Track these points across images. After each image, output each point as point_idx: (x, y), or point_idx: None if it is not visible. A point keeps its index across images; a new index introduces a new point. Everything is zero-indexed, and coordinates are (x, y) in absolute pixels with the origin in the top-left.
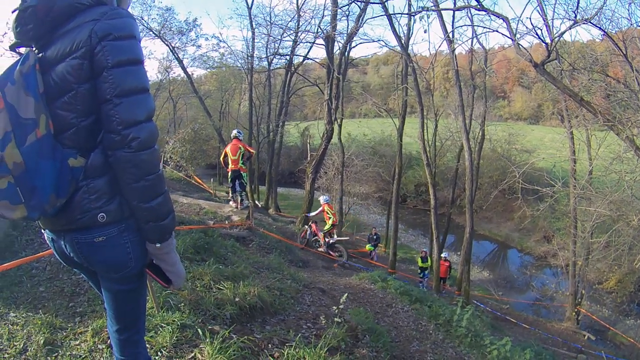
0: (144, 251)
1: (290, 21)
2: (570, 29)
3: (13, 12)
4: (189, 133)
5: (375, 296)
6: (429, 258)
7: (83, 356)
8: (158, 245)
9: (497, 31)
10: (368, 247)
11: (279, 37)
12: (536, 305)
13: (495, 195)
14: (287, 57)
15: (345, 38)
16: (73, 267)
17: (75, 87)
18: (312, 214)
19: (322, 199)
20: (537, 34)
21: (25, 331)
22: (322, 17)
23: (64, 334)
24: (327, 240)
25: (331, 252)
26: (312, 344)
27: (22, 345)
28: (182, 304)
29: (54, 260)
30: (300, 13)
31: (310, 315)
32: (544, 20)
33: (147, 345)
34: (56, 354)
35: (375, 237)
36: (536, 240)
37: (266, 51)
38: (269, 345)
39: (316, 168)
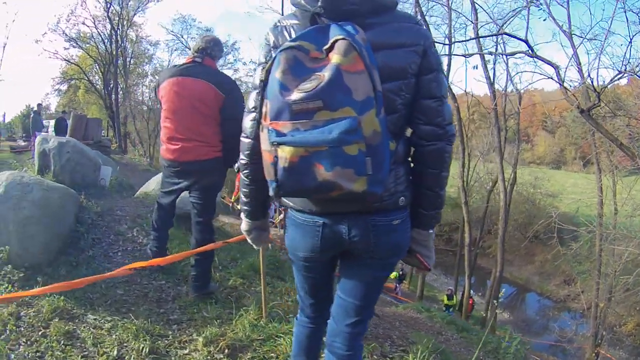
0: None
1: None
2: (618, 79)
3: None
4: None
5: (425, 324)
6: (454, 296)
7: None
8: (431, 231)
9: (550, 77)
10: (394, 275)
11: None
12: (555, 347)
13: (518, 238)
14: None
15: None
16: (324, 254)
17: (409, 76)
18: None
19: None
20: (579, 82)
21: (114, 337)
22: None
23: (166, 342)
24: None
25: None
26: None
27: (116, 353)
28: (290, 315)
29: (129, 262)
30: None
31: (382, 335)
32: (579, 69)
33: (273, 355)
34: None
35: (401, 272)
36: (556, 284)
37: None
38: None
39: None
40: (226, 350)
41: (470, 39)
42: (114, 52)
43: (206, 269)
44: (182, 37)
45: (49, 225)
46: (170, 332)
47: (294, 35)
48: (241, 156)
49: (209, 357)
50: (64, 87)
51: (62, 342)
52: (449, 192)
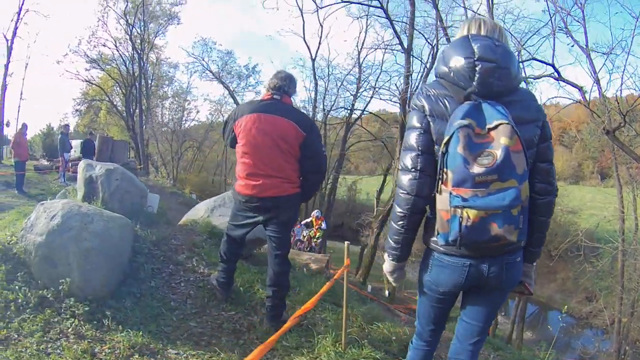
0: None
1: (347, 74)
2: None
3: (479, 61)
4: None
5: None
6: None
7: None
8: (535, 264)
9: (577, 102)
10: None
11: (337, 91)
12: None
13: (541, 256)
14: (347, 110)
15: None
16: (462, 288)
17: (534, 146)
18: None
19: (315, 212)
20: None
21: None
22: (380, 73)
23: None
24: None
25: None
26: None
27: None
28: (365, 340)
29: (194, 293)
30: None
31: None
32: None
33: None
34: None
35: None
36: (578, 301)
37: (322, 103)
38: None
39: (382, 223)
40: None
41: None
42: (136, 74)
43: (282, 299)
44: (203, 59)
45: (110, 256)
46: None
47: (449, 107)
48: (398, 209)
49: None
50: (83, 107)
51: None
52: None
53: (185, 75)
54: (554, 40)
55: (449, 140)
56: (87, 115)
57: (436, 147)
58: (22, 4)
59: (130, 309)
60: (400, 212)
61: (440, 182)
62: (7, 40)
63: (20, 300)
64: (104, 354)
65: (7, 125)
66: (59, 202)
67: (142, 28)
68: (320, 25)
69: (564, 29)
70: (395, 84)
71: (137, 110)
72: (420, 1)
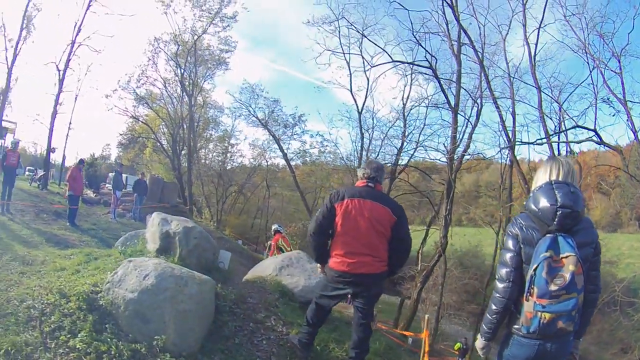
0: None
1: (391, 127)
2: None
3: (560, 208)
4: (300, 228)
5: None
6: None
7: None
8: (580, 339)
9: (618, 168)
10: (457, 346)
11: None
12: None
13: None
14: (392, 165)
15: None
16: None
17: (589, 260)
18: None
19: (274, 226)
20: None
21: None
22: (423, 127)
23: None
24: None
25: None
26: None
27: None
28: None
29: (277, 351)
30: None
31: None
32: None
33: None
34: None
35: (465, 347)
36: (613, 353)
37: (367, 155)
38: None
39: (426, 277)
40: None
41: (553, 134)
42: (184, 115)
43: None
44: (250, 105)
45: (203, 316)
46: None
47: (535, 237)
48: (494, 307)
49: None
50: (125, 141)
51: None
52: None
53: (229, 118)
54: (596, 107)
55: (537, 267)
56: (132, 151)
57: (524, 265)
58: (75, 38)
59: None
60: (495, 308)
61: (528, 294)
62: (59, 70)
63: (112, 352)
64: None
65: (53, 151)
66: (149, 261)
67: (191, 71)
68: (367, 79)
69: (603, 84)
70: (444, 144)
71: (183, 151)
72: (464, 58)
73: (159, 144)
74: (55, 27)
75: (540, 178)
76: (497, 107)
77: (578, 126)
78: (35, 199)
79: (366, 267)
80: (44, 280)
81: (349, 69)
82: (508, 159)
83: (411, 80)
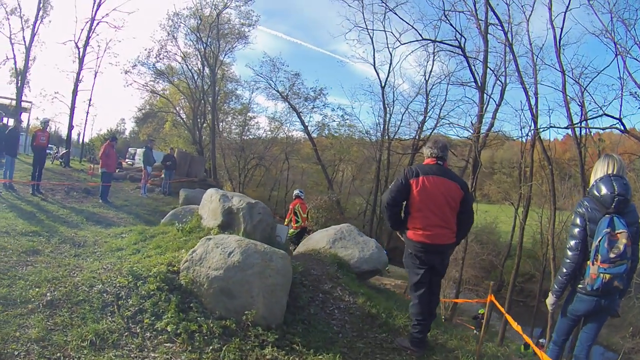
0: None
1: (411, 102)
2: None
3: (617, 196)
4: (326, 201)
5: None
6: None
7: None
8: (622, 298)
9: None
10: (481, 310)
11: (401, 117)
12: None
13: None
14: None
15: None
16: (586, 314)
17: (636, 238)
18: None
19: (296, 192)
20: None
21: None
22: (444, 102)
23: None
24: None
25: None
26: None
27: None
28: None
29: (349, 319)
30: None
31: None
32: None
33: None
34: None
35: (481, 317)
36: (622, 337)
37: (386, 131)
38: None
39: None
40: None
41: (578, 124)
42: (206, 89)
43: (429, 326)
44: (271, 79)
45: (286, 289)
46: None
47: (597, 216)
48: (564, 270)
49: None
50: (140, 116)
51: None
52: (526, 243)
53: (247, 91)
54: (622, 96)
55: (600, 239)
56: (150, 125)
57: (589, 238)
58: (95, 15)
59: (304, 334)
60: (565, 271)
61: (594, 260)
62: (78, 48)
63: (204, 331)
64: None
65: (72, 129)
66: (229, 238)
67: (213, 45)
68: (391, 55)
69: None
70: (471, 122)
71: (205, 124)
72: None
73: (179, 117)
74: (72, 5)
75: (599, 170)
76: (524, 87)
77: (605, 114)
78: (62, 177)
79: (443, 238)
80: (105, 262)
81: (373, 45)
82: (530, 138)
83: (433, 57)
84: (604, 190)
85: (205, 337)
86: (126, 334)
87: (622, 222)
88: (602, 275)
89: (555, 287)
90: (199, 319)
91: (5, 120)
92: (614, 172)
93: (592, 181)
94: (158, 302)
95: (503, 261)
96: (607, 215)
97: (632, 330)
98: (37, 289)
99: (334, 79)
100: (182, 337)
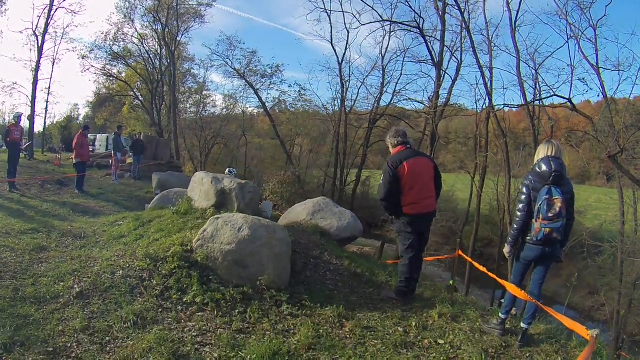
0: None
1: (366, 77)
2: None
3: (554, 172)
4: (289, 176)
5: None
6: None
7: None
8: (563, 248)
9: (586, 133)
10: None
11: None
12: None
13: None
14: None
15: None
16: (535, 259)
17: (568, 201)
18: None
19: (227, 170)
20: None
21: None
22: (400, 76)
23: None
24: None
25: None
26: None
27: None
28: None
29: (339, 278)
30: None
31: None
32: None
33: None
34: None
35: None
36: (582, 296)
37: (344, 105)
38: None
39: None
40: None
41: (531, 102)
42: (163, 70)
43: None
44: (228, 57)
45: (288, 256)
46: None
47: (538, 187)
48: (515, 225)
49: None
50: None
51: None
52: (483, 210)
53: (202, 69)
54: (572, 79)
55: (541, 203)
56: (107, 109)
57: (532, 202)
58: (53, 1)
59: (308, 292)
60: (516, 227)
61: (537, 218)
62: (37, 36)
63: (227, 298)
64: (328, 323)
65: (34, 119)
66: (235, 216)
67: (171, 26)
68: (347, 32)
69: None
70: (429, 97)
71: (163, 106)
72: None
73: (138, 100)
74: None
75: (541, 152)
76: (479, 64)
77: (555, 95)
78: (31, 170)
79: (431, 206)
80: (114, 250)
81: (331, 24)
82: (485, 112)
83: (389, 35)
84: (544, 168)
85: (230, 303)
86: (160, 310)
87: (558, 191)
88: (543, 229)
89: (510, 239)
90: (220, 288)
91: None
92: (552, 154)
93: (535, 160)
94: (180, 278)
95: (462, 227)
96: (546, 186)
97: (590, 290)
98: (62, 283)
99: (291, 55)
100: (210, 305)
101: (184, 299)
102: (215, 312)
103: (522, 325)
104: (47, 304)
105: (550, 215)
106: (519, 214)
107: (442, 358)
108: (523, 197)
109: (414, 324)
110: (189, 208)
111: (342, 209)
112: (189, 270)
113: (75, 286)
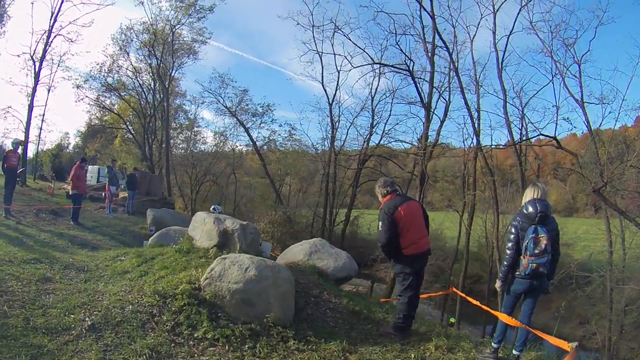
0: None
1: (355, 117)
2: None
3: (539, 213)
4: (280, 216)
5: None
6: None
7: None
8: (551, 281)
9: (572, 169)
10: (451, 319)
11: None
12: None
13: None
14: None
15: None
16: (524, 292)
17: (554, 237)
18: None
19: (212, 207)
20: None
21: None
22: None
23: None
24: None
25: None
26: None
27: None
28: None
29: (339, 316)
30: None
31: None
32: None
33: None
34: None
35: (451, 325)
36: (572, 327)
37: (331, 146)
38: None
39: None
40: None
41: (519, 142)
42: (156, 104)
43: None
44: (220, 95)
45: (292, 295)
46: None
47: (525, 227)
48: (505, 262)
49: None
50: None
51: None
52: (472, 247)
53: (193, 105)
54: (557, 118)
55: (528, 241)
56: (99, 140)
57: (521, 241)
58: (52, 27)
59: (311, 329)
60: (506, 263)
61: (525, 254)
62: (34, 62)
63: (237, 334)
64: (333, 357)
65: (27, 146)
66: (243, 256)
67: (166, 61)
68: (338, 73)
69: (563, 87)
70: (418, 138)
71: (153, 140)
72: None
73: (130, 134)
74: (28, 15)
75: (528, 195)
76: (467, 105)
77: (541, 134)
78: (24, 197)
79: (428, 244)
80: (119, 285)
81: (322, 65)
82: (473, 152)
83: (379, 76)
84: (530, 209)
85: (239, 339)
86: (173, 344)
87: (543, 229)
88: (530, 264)
89: (500, 274)
90: (229, 325)
91: None
92: (538, 197)
93: (523, 202)
94: (190, 315)
95: (451, 265)
96: (532, 225)
97: (580, 320)
98: (72, 316)
99: (280, 91)
100: (221, 341)
101: (195, 335)
102: (227, 347)
103: (514, 352)
104: (60, 335)
105: (536, 251)
106: (508, 252)
107: None
108: (512, 236)
109: (412, 355)
110: (190, 247)
111: (337, 250)
112: (198, 307)
113: (87, 319)
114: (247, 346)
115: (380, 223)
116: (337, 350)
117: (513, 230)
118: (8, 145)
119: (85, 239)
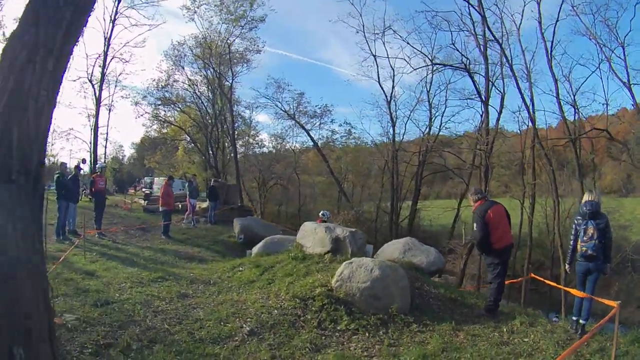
0: None
1: (412, 112)
2: None
3: (588, 211)
4: (353, 215)
5: None
6: None
7: None
8: (607, 264)
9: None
10: None
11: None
12: None
13: None
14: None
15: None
16: (584, 272)
17: (602, 228)
18: None
19: (321, 213)
20: None
21: None
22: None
23: None
24: None
25: None
26: None
27: None
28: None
29: (442, 304)
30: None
31: None
32: None
33: None
34: None
35: None
36: (631, 311)
37: (392, 141)
38: None
39: (470, 251)
40: None
41: (574, 138)
42: (217, 115)
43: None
44: (277, 100)
45: (408, 288)
46: None
47: (580, 222)
48: (570, 250)
49: None
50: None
51: None
52: (533, 234)
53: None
54: (607, 108)
55: (580, 232)
56: (159, 152)
57: (577, 230)
58: (107, 51)
59: (424, 315)
60: (570, 249)
61: (579, 240)
62: (93, 85)
63: (371, 323)
64: (447, 334)
65: (84, 162)
66: (366, 259)
67: (223, 72)
68: (393, 70)
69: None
70: (477, 132)
71: (217, 148)
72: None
73: (192, 144)
74: (81, 41)
75: (585, 198)
76: (522, 95)
77: (594, 129)
78: (106, 215)
79: (511, 238)
80: (253, 293)
81: (377, 65)
82: (530, 140)
83: (434, 73)
84: (584, 209)
85: (373, 327)
86: (323, 337)
87: (592, 223)
88: (582, 248)
89: (568, 258)
90: (363, 317)
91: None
92: (590, 199)
93: (582, 201)
94: (330, 311)
95: (515, 252)
96: (585, 220)
97: (638, 304)
98: (228, 325)
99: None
100: (360, 330)
101: (338, 327)
102: (366, 335)
103: (581, 321)
104: (226, 342)
105: (585, 238)
106: (571, 241)
107: (529, 349)
108: (573, 230)
109: (505, 329)
110: (302, 254)
111: (427, 247)
112: (335, 305)
113: (244, 325)
114: (381, 332)
115: (474, 224)
116: (449, 329)
117: (574, 225)
118: (71, 166)
119: (186, 252)
